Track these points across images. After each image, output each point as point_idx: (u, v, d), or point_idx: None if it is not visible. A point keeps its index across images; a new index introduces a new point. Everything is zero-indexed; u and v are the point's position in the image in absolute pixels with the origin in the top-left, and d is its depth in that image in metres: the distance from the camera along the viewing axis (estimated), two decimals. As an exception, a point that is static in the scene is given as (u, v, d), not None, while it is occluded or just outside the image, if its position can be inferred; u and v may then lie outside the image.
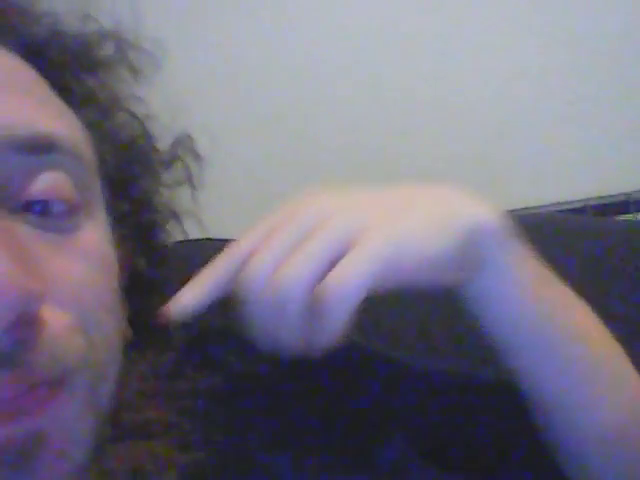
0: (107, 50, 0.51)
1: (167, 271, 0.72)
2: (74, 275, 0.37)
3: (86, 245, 0.39)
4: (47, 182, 0.37)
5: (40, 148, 0.37)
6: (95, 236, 0.40)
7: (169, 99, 0.53)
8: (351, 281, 0.40)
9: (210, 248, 0.82)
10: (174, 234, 0.57)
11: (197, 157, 0.55)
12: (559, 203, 1.00)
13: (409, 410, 0.52)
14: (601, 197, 1.00)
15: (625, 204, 0.98)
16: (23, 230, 0.36)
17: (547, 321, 0.47)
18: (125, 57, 0.51)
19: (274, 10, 1.03)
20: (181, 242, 0.82)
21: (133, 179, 0.51)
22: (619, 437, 0.48)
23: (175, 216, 0.56)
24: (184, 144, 0.54)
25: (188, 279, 0.81)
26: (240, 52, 1.03)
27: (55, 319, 0.34)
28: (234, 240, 0.87)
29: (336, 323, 0.40)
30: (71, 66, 0.48)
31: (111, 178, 0.47)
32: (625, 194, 0.99)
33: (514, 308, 0.46)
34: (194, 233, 0.83)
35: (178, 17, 1.01)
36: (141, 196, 0.52)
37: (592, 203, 0.99)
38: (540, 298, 0.47)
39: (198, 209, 0.57)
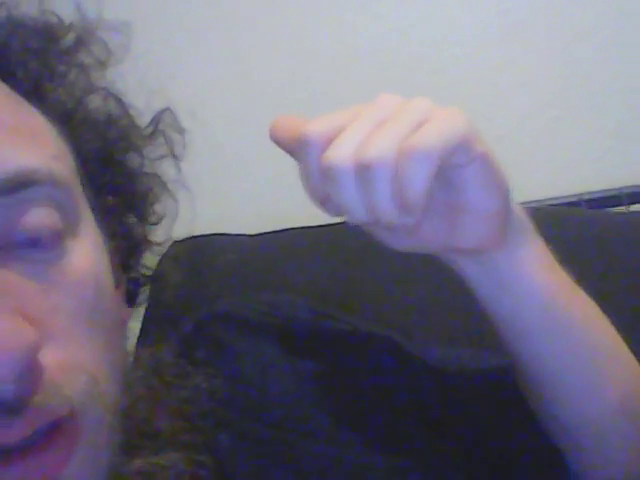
0: (72, 35, 0.47)
1: (175, 266, 0.72)
2: (66, 310, 0.35)
3: (75, 271, 0.37)
4: (31, 216, 0.35)
5: (18, 186, 0.35)
6: (84, 257, 0.38)
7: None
8: (433, 140, 0.38)
9: (218, 243, 0.84)
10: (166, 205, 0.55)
11: (180, 130, 0.52)
12: (556, 197, 1.01)
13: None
14: (594, 192, 1.01)
15: (617, 198, 0.99)
16: (14, 269, 0.34)
17: (556, 301, 0.46)
18: (93, 40, 0.48)
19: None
20: (188, 238, 0.84)
21: (116, 156, 0.49)
22: (621, 409, 0.48)
23: (163, 185, 0.53)
24: (165, 118, 0.52)
25: (196, 274, 0.82)
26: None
27: (52, 359, 0.33)
28: (239, 234, 0.86)
29: (418, 188, 0.38)
30: (36, 55, 0.45)
31: (95, 160, 0.45)
32: (617, 189, 1.01)
33: (527, 286, 0.45)
34: (193, 230, 0.85)
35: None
36: (126, 170, 0.50)
37: (586, 197, 1.00)
38: (549, 278, 0.46)
39: (185, 181, 0.55)
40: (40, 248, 0.36)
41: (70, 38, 0.47)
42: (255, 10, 1.04)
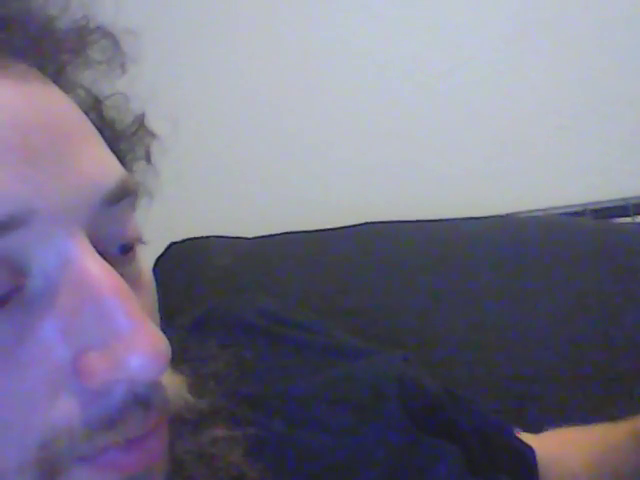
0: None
1: (171, 268, 0.71)
2: (151, 315, 0.36)
3: (147, 278, 0.38)
4: (130, 226, 0.36)
5: (120, 196, 0.35)
6: (145, 263, 0.39)
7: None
8: None
9: (215, 245, 0.84)
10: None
11: (152, 135, 0.50)
12: (560, 207, 1.01)
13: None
14: (600, 202, 1.01)
15: (624, 208, 0.99)
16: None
17: None
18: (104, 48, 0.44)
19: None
20: (185, 240, 0.83)
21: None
22: None
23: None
24: (140, 122, 0.49)
25: (190, 276, 0.81)
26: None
27: None
28: (236, 237, 0.87)
29: None
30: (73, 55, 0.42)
31: None
32: (623, 199, 1.00)
33: None
34: (194, 232, 0.85)
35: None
36: None
37: (591, 207, 1.00)
38: None
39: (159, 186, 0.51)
40: (128, 254, 0.37)
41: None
42: (255, 16, 1.04)
